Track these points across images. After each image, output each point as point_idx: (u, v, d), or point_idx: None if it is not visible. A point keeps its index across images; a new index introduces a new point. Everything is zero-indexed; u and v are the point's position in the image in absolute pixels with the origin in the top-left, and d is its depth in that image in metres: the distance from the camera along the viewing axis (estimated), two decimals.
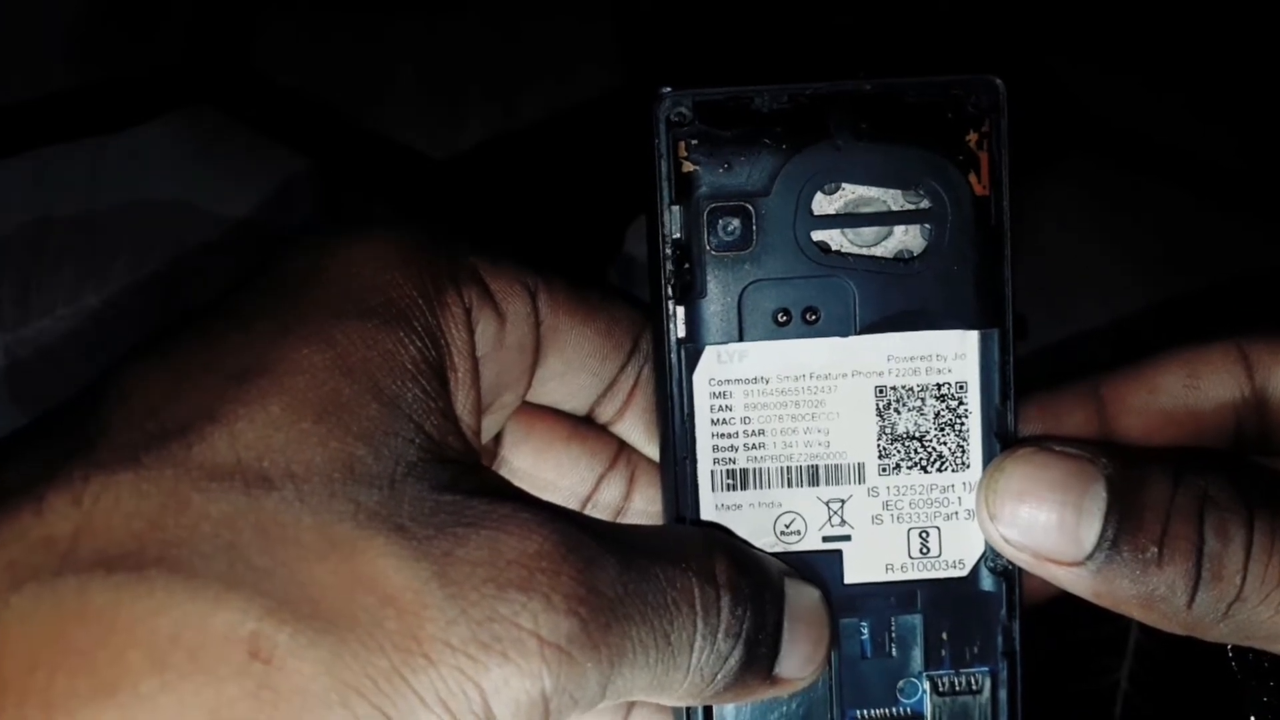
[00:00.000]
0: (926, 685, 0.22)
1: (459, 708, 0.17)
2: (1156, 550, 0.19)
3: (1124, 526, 0.19)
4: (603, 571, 0.18)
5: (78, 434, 0.17)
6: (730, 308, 0.20)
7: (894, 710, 0.22)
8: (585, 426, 0.25)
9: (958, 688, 0.22)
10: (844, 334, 0.21)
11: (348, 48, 0.46)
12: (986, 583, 0.22)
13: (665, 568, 0.18)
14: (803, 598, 0.20)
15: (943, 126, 0.20)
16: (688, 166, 0.20)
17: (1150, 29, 0.55)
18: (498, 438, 0.25)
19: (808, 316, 0.21)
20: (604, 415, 0.25)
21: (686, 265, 0.20)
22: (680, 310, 0.20)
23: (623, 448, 0.25)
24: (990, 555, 0.22)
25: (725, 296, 0.20)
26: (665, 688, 0.19)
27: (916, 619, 0.22)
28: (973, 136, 0.20)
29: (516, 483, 0.20)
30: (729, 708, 0.21)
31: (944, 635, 0.22)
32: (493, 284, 0.21)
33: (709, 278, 0.20)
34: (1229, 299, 0.43)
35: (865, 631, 0.22)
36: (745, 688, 0.20)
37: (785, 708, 0.22)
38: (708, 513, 0.21)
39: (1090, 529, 0.19)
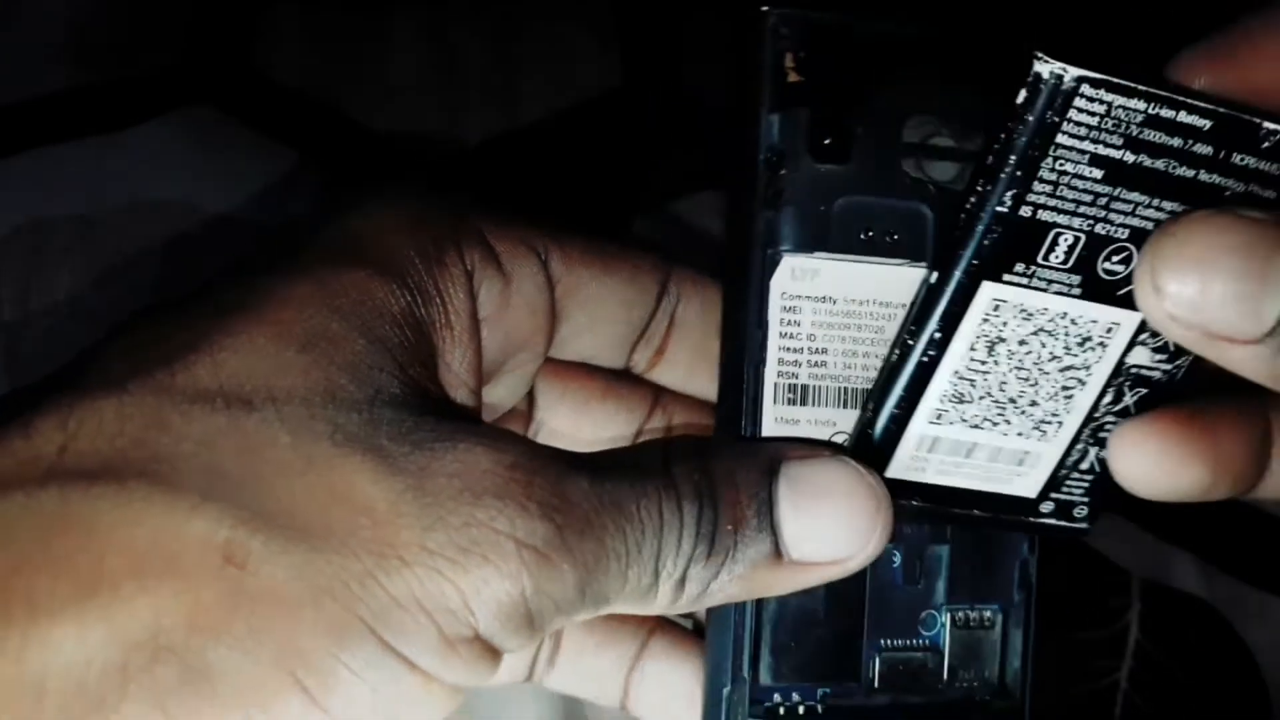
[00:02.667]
0: (946, 618, 0.22)
1: (436, 608, 0.17)
2: None
3: None
4: (574, 484, 0.18)
5: (72, 373, 0.18)
6: (816, 218, 0.21)
7: (914, 641, 0.22)
8: (620, 380, 0.25)
9: (972, 622, 0.22)
10: (918, 261, 0.21)
11: (348, 48, 0.46)
12: (1048, 537, 0.23)
13: (632, 478, 0.19)
14: (813, 471, 0.20)
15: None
16: (792, 77, 0.20)
17: (1150, 28, 0.55)
18: (531, 400, 0.25)
19: (888, 238, 0.21)
20: (640, 364, 0.25)
21: (781, 172, 0.20)
22: (767, 215, 0.20)
23: (659, 397, 0.25)
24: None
25: (814, 206, 0.20)
26: (640, 600, 0.19)
27: (944, 550, 0.22)
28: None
29: (556, 444, 0.20)
30: (766, 624, 0.21)
31: (968, 569, 0.22)
32: (498, 246, 0.21)
33: (800, 187, 0.20)
34: None
35: (898, 559, 0.22)
36: (749, 581, 0.19)
37: (819, 632, 0.22)
38: (768, 426, 0.21)
39: (1275, 303, 0.16)
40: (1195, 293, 0.16)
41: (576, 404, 0.25)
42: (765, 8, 0.20)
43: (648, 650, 0.25)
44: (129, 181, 0.39)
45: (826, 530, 0.19)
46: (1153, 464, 0.21)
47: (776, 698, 0.21)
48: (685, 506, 0.19)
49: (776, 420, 0.21)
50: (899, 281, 0.21)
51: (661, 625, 0.25)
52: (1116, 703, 0.33)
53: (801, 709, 0.21)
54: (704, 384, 0.25)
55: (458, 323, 0.20)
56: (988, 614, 0.23)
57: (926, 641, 0.22)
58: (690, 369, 0.24)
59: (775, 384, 0.21)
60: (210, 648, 0.16)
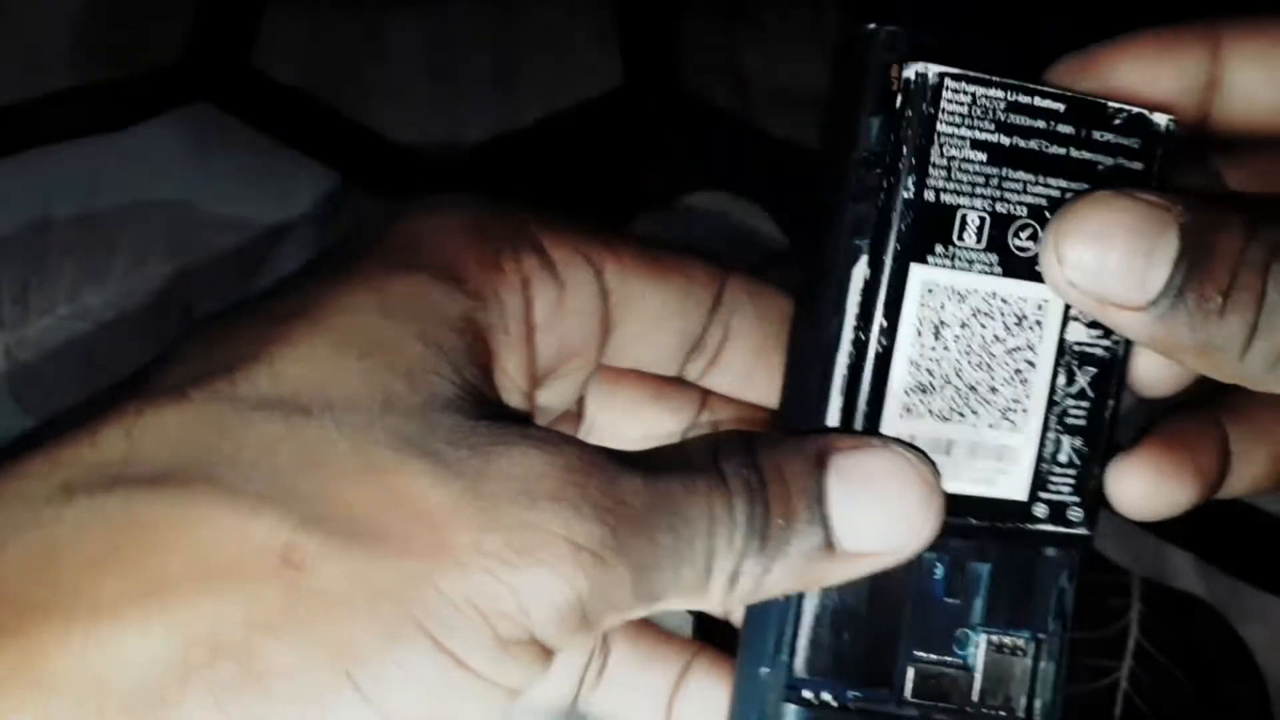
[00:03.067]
0: (981, 639, 0.22)
1: (490, 609, 0.17)
2: (1220, 300, 0.18)
3: (1191, 275, 0.18)
4: (628, 483, 0.18)
5: (136, 379, 0.18)
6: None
7: (948, 658, 0.22)
8: (670, 384, 0.25)
9: (1006, 647, 0.22)
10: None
11: (348, 48, 0.46)
12: (1052, 547, 0.23)
13: (682, 476, 0.19)
14: (864, 461, 0.20)
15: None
16: (894, 89, 0.21)
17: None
18: (581, 402, 0.25)
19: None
20: (693, 373, 0.25)
21: (878, 172, 0.21)
22: (860, 208, 0.21)
23: (706, 399, 0.25)
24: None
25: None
26: (691, 594, 0.19)
27: (985, 569, 0.22)
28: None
29: (605, 443, 0.20)
30: (806, 616, 0.21)
31: (1006, 592, 0.22)
32: (554, 253, 0.21)
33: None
34: None
35: (940, 571, 0.22)
36: (798, 574, 0.19)
37: (857, 633, 0.22)
38: (889, 421, 0.21)
39: (1158, 275, 0.18)
40: (1093, 262, 0.19)
41: (626, 404, 0.25)
42: (873, 24, 0.21)
43: (692, 670, 0.25)
44: (129, 181, 0.39)
45: (878, 520, 0.20)
46: (1151, 490, 0.22)
47: (808, 691, 0.21)
48: (736, 503, 0.19)
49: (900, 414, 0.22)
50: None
51: (706, 646, 0.25)
52: (1116, 703, 0.33)
53: (833, 704, 0.21)
54: (758, 393, 0.25)
55: (514, 328, 0.20)
56: (1022, 641, 0.23)
57: (960, 660, 0.22)
58: (746, 377, 0.24)
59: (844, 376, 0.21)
60: (267, 647, 0.16)
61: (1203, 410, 0.23)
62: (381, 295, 0.19)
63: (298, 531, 0.17)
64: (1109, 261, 0.19)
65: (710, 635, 0.27)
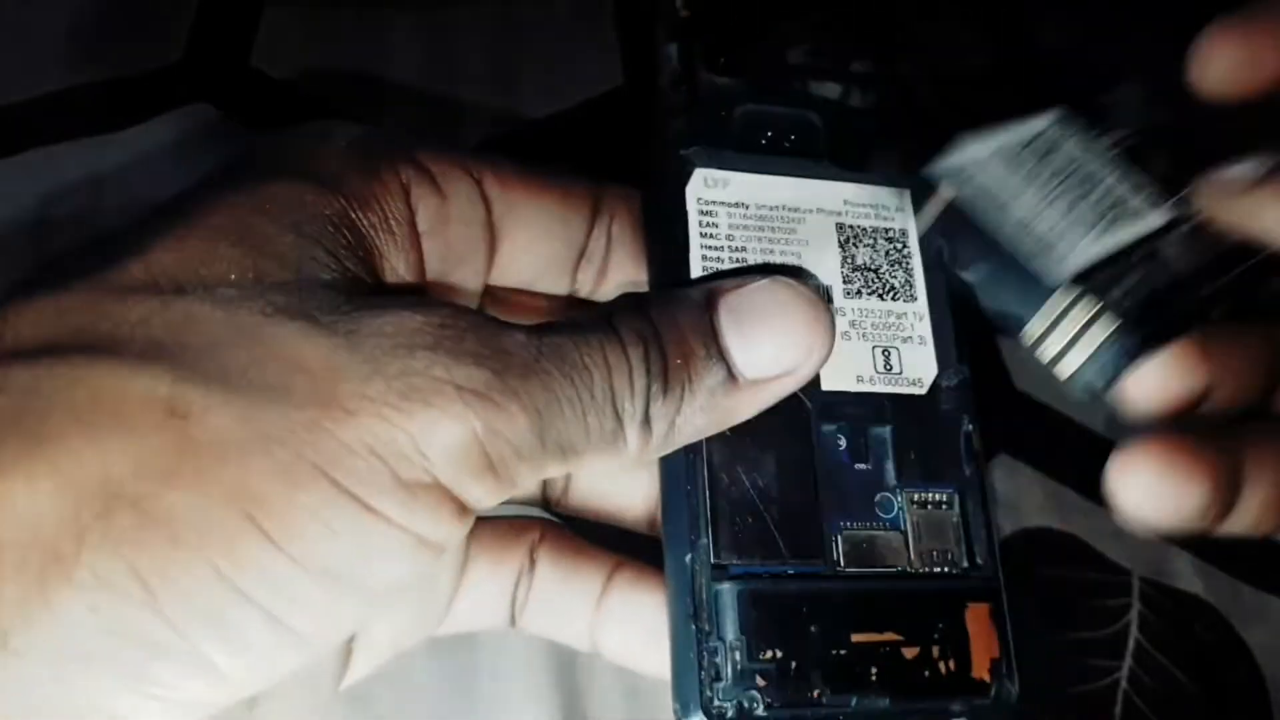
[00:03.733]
0: (902, 499, 0.23)
1: (387, 452, 0.17)
2: None
3: None
4: (510, 337, 0.18)
5: (16, 287, 0.19)
6: (722, 125, 0.24)
7: (874, 523, 0.22)
8: (565, 305, 0.26)
9: (929, 503, 0.23)
10: (815, 159, 0.24)
11: (348, 48, 0.46)
12: (946, 401, 0.24)
13: (571, 331, 0.19)
14: (752, 296, 0.20)
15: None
16: (684, 13, 0.24)
17: (1150, 29, 0.55)
18: None
19: (785, 142, 0.24)
20: (585, 286, 0.25)
21: (684, 88, 0.23)
22: (677, 123, 0.23)
23: None
24: (945, 374, 0.24)
25: (719, 113, 0.24)
26: (609, 447, 0.19)
27: (887, 431, 0.23)
28: None
29: None
30: (721, 502, 0.21)
31: (912, 452, 0.23)
32: (433, 167, 0.22)
33: (703, 95, 0.24)
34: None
35: (844, 441, 0.22)
36: (713, 411, 0.20)
37: (775, 511, 0.22)
38: None
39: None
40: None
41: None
42: None
43: (614, 582, 0.25)
44: (129, 181, 0.39)
45: (773, 344, 0.20)
46: (1156, 489, 0.21)
47: (737, 569, 0.21)
48: (630, 350, 0.19)
49: None
50: (799, 188, 0.24)
51: (625, 561, 0.25)
52: (1116, 703, 0.33)
53: (768, 580, 0.21)
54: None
55: (397, 229, 0.20)
56: (943, 495, 0.23)
57: (887, 523, 0.22)
58: (634, 285, 0.25)
59: (700, 278, 0.23)
60: (164, 494, 0.16)
61: (1215, 430, 0.22)
62: (258, 197, 0.19)
63: (180, 384, 0.17)
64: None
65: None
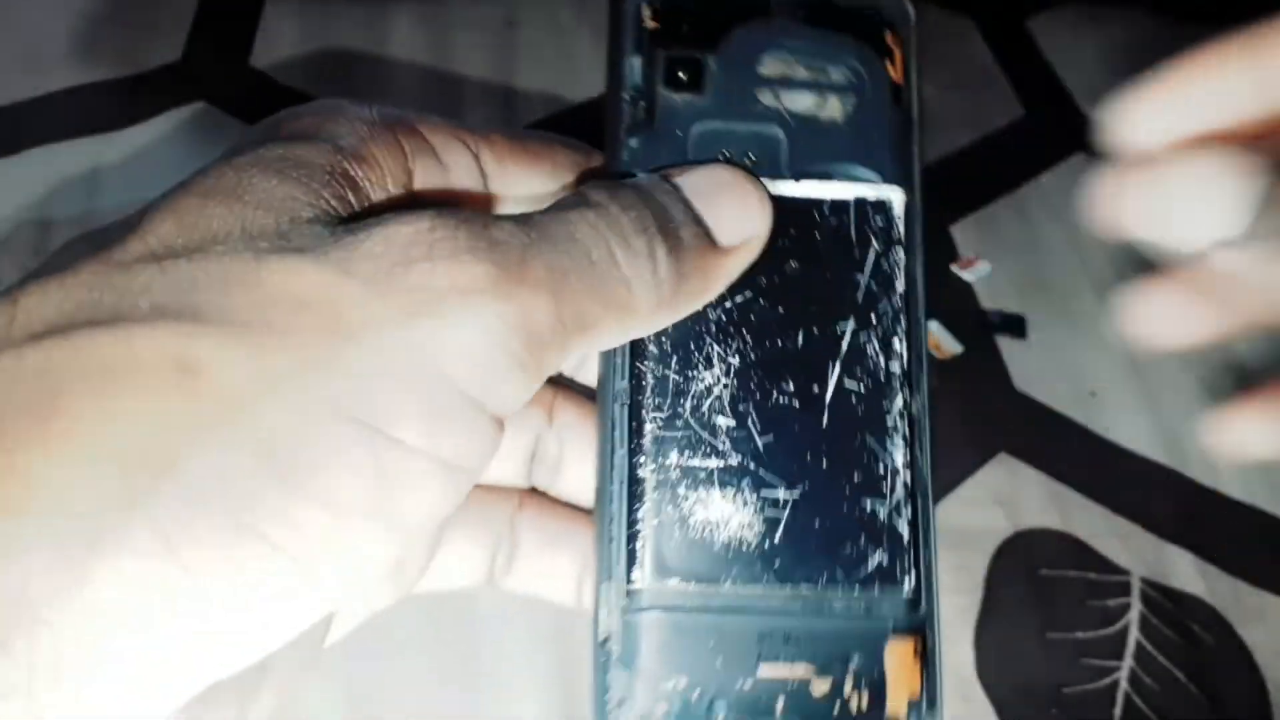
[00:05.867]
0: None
1: (404, 375, 0.17)
2: None
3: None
4: (498, 229, 0.18)
5: (26, 278, 0.18)
6: (678, 143, 0.23)
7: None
8: None
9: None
10: (773, 178, 0.23)
11: (348, 48, 0.46)
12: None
13: (554, 213, 0.19)
14: (702, 176, 0.21)
15: (867, 24, 0.24)
16: (650, 24, 0.23)
17: (1150, 29, 0.55)
18: None
19: (745, 158, 0.23)
20: None
21: (642, 104, 0.23)
22: (631, 142, 0.22)
23: None
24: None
25: (675, 131, 0.23)
26: (624, 309, 0.19)
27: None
28: (890, 35, 0.23)
29: None
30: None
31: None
32: (433, 138, 0.22)
33: (660, 116, 0.23)
34: None
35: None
36: (703, 272, 0.20)
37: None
38: None
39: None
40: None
41: None
42: None
43: None
44: (129, 180, 0.39)
45: (735, 213, 0.21)
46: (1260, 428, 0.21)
47: (648, 603, 0.21)
48: (621, 214, 0.19)
49: None
50: None
51: None
52: (1116, 703, 0.33)
53: (680, 611, 0.21)
54: None
55: (394, 188, 0.20)
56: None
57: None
58: None
59: None
60: (179, 450, 0.16)
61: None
62: (250, 158, 0.19)
63: (187, 341, 0.16)
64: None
65: None
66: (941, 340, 0.41)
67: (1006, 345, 0.40)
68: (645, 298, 0.19)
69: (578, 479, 0.26)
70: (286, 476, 0.16)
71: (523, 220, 0.19)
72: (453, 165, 0.22)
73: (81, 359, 0.16)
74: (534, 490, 0.26)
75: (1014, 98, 0.50)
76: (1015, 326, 0.41)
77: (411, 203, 0.20)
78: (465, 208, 0.19)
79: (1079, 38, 0.53)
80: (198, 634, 0.16)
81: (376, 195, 0.20)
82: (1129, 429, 0.39)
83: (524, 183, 0.23)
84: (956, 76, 0.50)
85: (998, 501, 0.36)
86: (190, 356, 0.16)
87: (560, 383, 0.26)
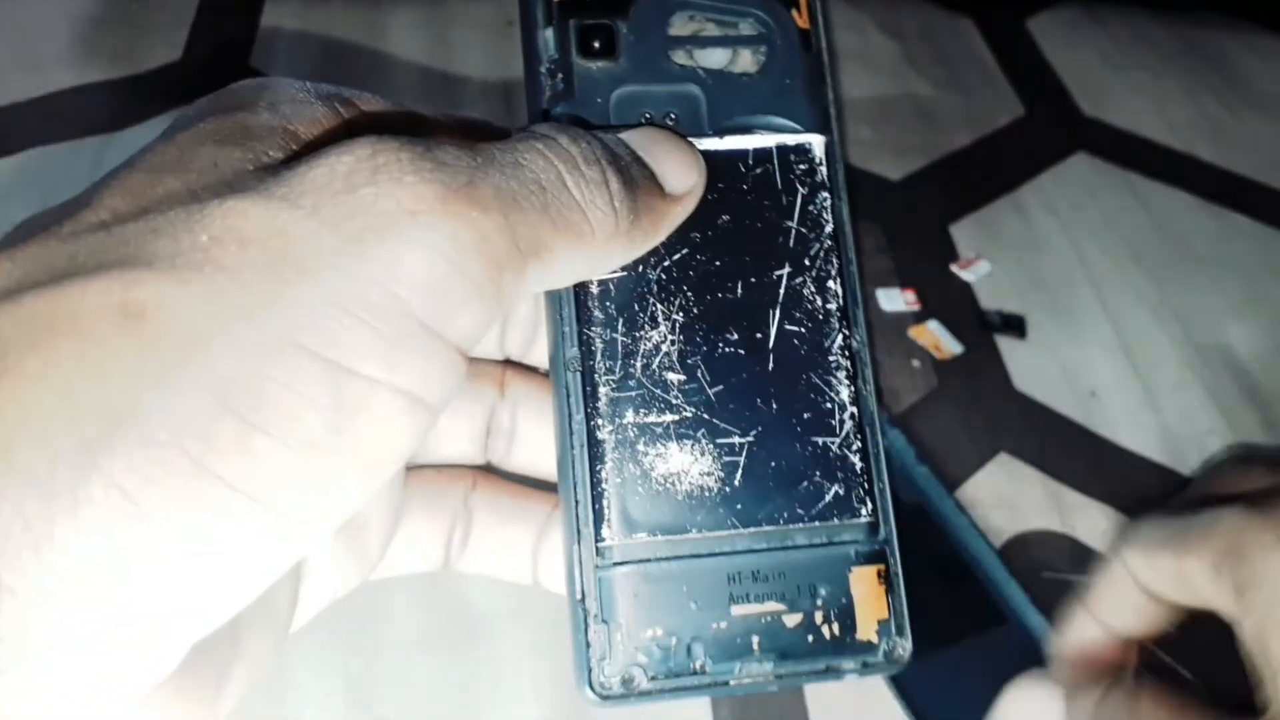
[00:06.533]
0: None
1: (360, 305, 0.16)
2: None
3: None
4: (442, 151, 0.18)
5: None
6: (600, 110, 0.23)
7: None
8: None
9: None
10: (697, 135, 0.23)
11: (348, 48, 0.46)
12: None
13: (501, 141, 0.19)
14: (638, 133, 0.21)
15: None
16: None
17: (1151, 29, 0.55)
18: None
19: (668, 119, 0.23)
20: None
21: (560, 76, 0.23)
22: (557, 112, 0.22)
23: None
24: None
25: (595, 99, 0.23)
26: (579, 235, 0.19)
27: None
28: None
29: None
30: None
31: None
32: (371, 113, 0.22)
33: (579, 85, 0.23)
34: (1229, 298, 0.43)
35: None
36: (654, 211, 0.21)
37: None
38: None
39: None
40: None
41: None
42: None
43: (554, 520, 0.25)
44: None
45: (677, 164, 0.21)
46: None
47: (619, 557, 0.22)
48: (572, 145, 0.19)
49: None
50: None
51: None
52: None
53: (650, 563, 0.22)
54: None
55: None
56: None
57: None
58: None
59: None
60: (129, 395, 0.16)
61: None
62: (195, 131, 0.19)
63: (130, 287, 0.16)
64: None
65: None
66: (941, 340, 0.41)
67: (1006, 345, 0.40)
68: (601, 224, 0.19)
69: (533, 449, 0.26)
70: (243, 414, 0.16)
71: (467, 146, 0.18)
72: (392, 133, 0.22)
73: (28, 321, 0.16)
74: (486, 469, 0.26)
75: (1014, 98, 0.50)
76: (1015, 326, 0.41)
77: (371, 119, 0.20)
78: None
79: (1079, 38, 0.54)
80: (165, 589, 0.16)
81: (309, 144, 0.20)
82: (1129, 429, 0.39)
83: None
84: (956, 76, 0.50)
85: (998, 503, 0.36)
86: (134, 301, 0.16)
87: (509, 361, 0.26)
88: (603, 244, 0.19)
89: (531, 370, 0.27)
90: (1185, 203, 0.47)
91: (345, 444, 0.17)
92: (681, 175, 0.21)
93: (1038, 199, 0.46)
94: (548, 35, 0.23)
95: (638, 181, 0.20)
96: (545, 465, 0.27)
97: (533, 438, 0.27)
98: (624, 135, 0.21)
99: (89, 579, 0.16)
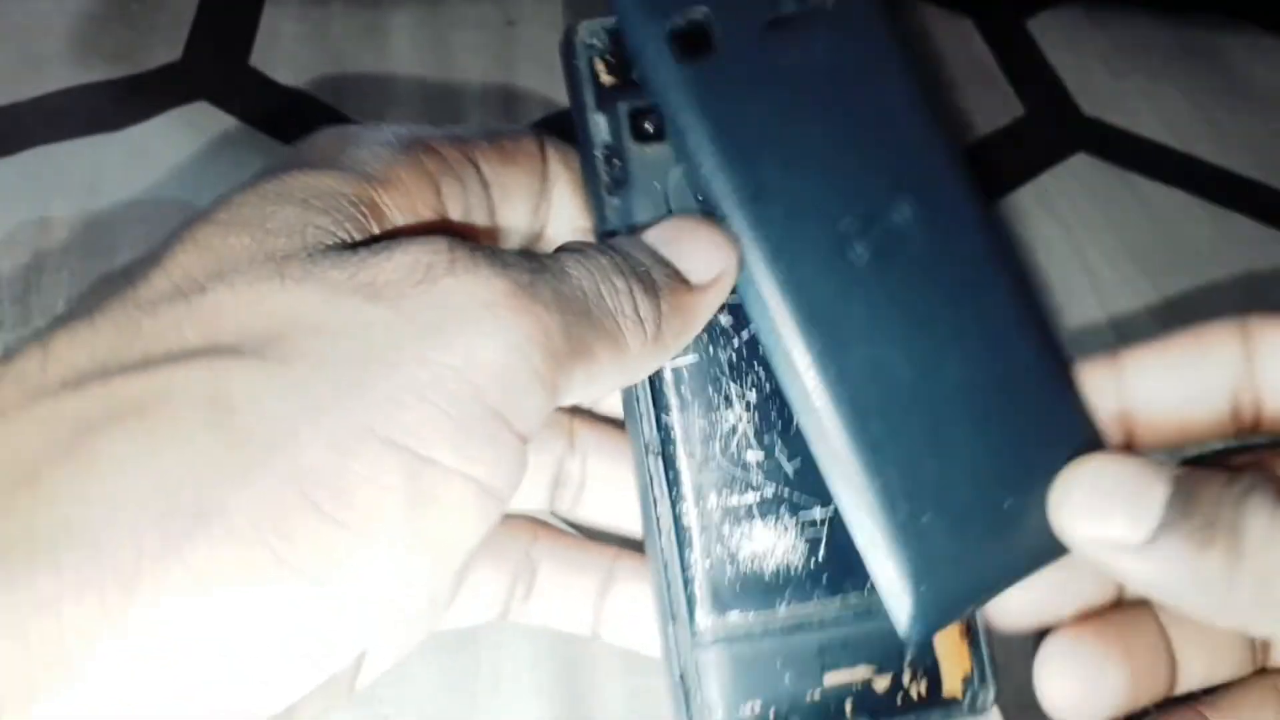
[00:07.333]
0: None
1: (437, 393, 0.17)
2: (1206, 533, 0.19)
3: (1178, 513, 0.20)
4: (507, 255, 0.19)
5: (54, 322, 0.19)
6: (654, 195, 0.23)
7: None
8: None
9: None
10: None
11: (348, 48, 0.46)
12: None
13: (542, 254, 0.20)
14: (663, 226, 0.22)
15: None
16: (606, 80, 0.23)
17: (1151, 30, 0.55)
18: None
19: None
20: (536, 226, 0.26)
21: (616, 161, 0.23)
22: (613, 201, 0.23)
23: None
24: None
25: (649, 184, 0.23)
26: (615, 342, 0.20)
27: None
28: None
29: None
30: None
31: None
32: (449, 154, 0.22)
33: (633, 170, 0.23)
34: (1229, 299, 0.43)
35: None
36: (682, 310, 0.21)
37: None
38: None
39: (1152, 515, 0.20)
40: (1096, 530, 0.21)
41: None
42: (574, 24, 0.23)
43: (617, 571, 0.25)
44: (129, 180, 0.39)
45: (701, 255, 0.21)
46: (1074, 676, 0.22)
47: (715, 637, 0.22)
48: (601, 258, 0.20)
49: None
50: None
51: (624, 552, 0.26)
52: None
53: (743, 640, 0.22)
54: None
55: (423, 209, 0.21)
56: None
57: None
58: (573, 206, 0.26)
59: None
60: (216, 490, 0.16)
61: (1137, 605, 0.23)
62: (276, 185, 0.19)
63: (220, 379, 0.17)
64: (1111, 524, 0.20)
65: None
66: None
67: None
68: (632, 334, 0.20)
69: (603, 500, 0.26)
70: (324, 508, 0.16)
71: (524, 252, 0.19)
72: (466, 179, 0.22)
73: (119, 406, 0.16)
74: (546, 522, 0.26)
75: (1014, 98, 0.50)
76: None
77: (435, 226, 0.21)
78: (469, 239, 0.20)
79: (1079, 38, 0.54)
80: (229, 677, 0.16)
81: (402, 220, 0.20)
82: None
83: (510, 180, 0.24)
84: (956, 76, 0.50)
85: None
86: (224, 394, 0.16)
87: (578, 411, 0.26)
88: (637, 352, 0.20)
89: (602, 419, 0.27)
90: (1185, 203, 0.47)
91: (419, 534, 0.17)
92: (706, 265, 0.21)
93: (1037, 199, 0.46)
94: (599, 120, 0.23)
95: (659, 285, 0.20)
96: (614, 517, 0.27)
97: (604, 488, 0.27)
98: (648, 234, 0.22)
99: (156, 664, 0.16)
